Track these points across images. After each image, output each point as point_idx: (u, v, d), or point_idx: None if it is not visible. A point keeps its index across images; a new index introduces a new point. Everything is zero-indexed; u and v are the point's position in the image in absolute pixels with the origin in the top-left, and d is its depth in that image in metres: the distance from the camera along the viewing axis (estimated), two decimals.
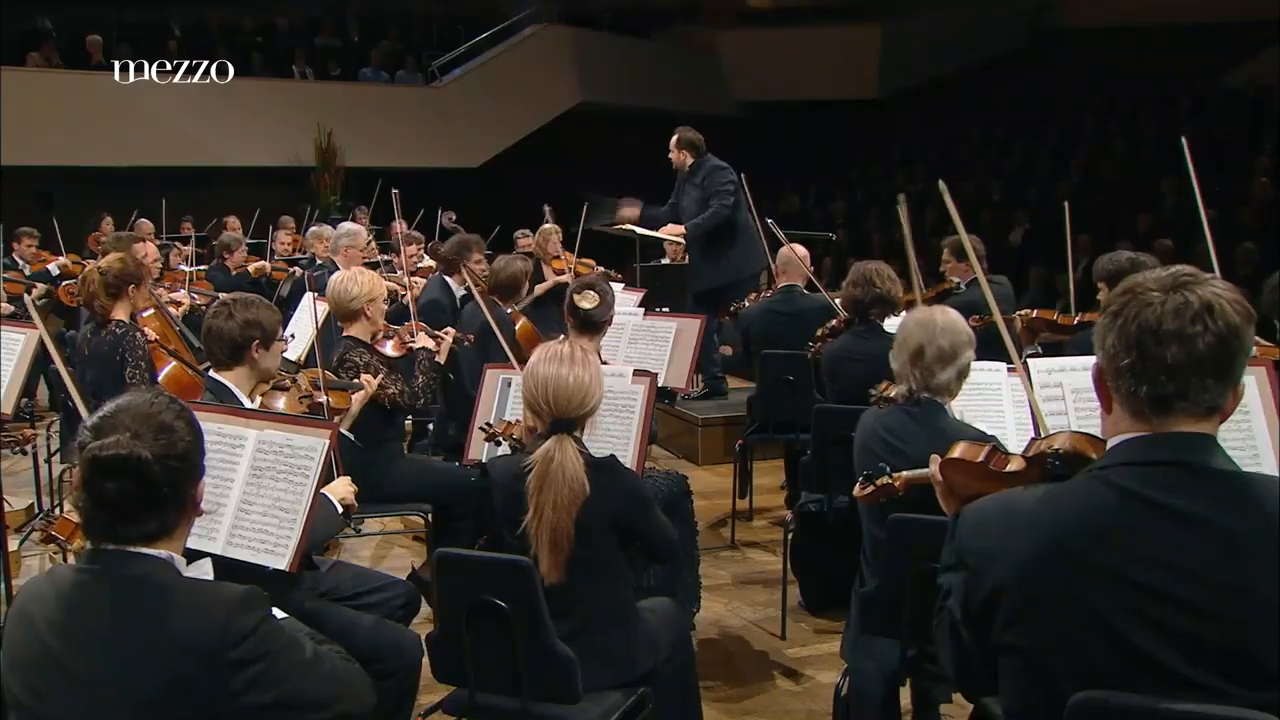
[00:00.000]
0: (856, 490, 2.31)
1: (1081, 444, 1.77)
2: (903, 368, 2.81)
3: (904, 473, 2.35)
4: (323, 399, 3.44)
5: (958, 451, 1.97)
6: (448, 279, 6.19)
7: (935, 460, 2.04)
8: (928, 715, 2.79)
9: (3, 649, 1.74)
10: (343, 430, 3.65)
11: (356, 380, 3.84)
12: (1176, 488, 1.45)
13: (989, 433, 2.75)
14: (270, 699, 1.67)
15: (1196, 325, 1.43)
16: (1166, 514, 1.44)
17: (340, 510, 2.89)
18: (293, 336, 4.55)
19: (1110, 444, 1.54)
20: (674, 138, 6.74)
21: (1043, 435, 1.96)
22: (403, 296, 5.70)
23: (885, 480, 2.21)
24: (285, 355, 4.88)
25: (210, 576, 1.84)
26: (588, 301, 3.65)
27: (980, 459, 1.92)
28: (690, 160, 6.65)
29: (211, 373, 3.15)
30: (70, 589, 1.70)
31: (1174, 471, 1.46)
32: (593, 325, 3.71)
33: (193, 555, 1.84)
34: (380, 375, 3.90)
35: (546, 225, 7.75)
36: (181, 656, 1.61)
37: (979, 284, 5.20)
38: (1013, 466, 1.87)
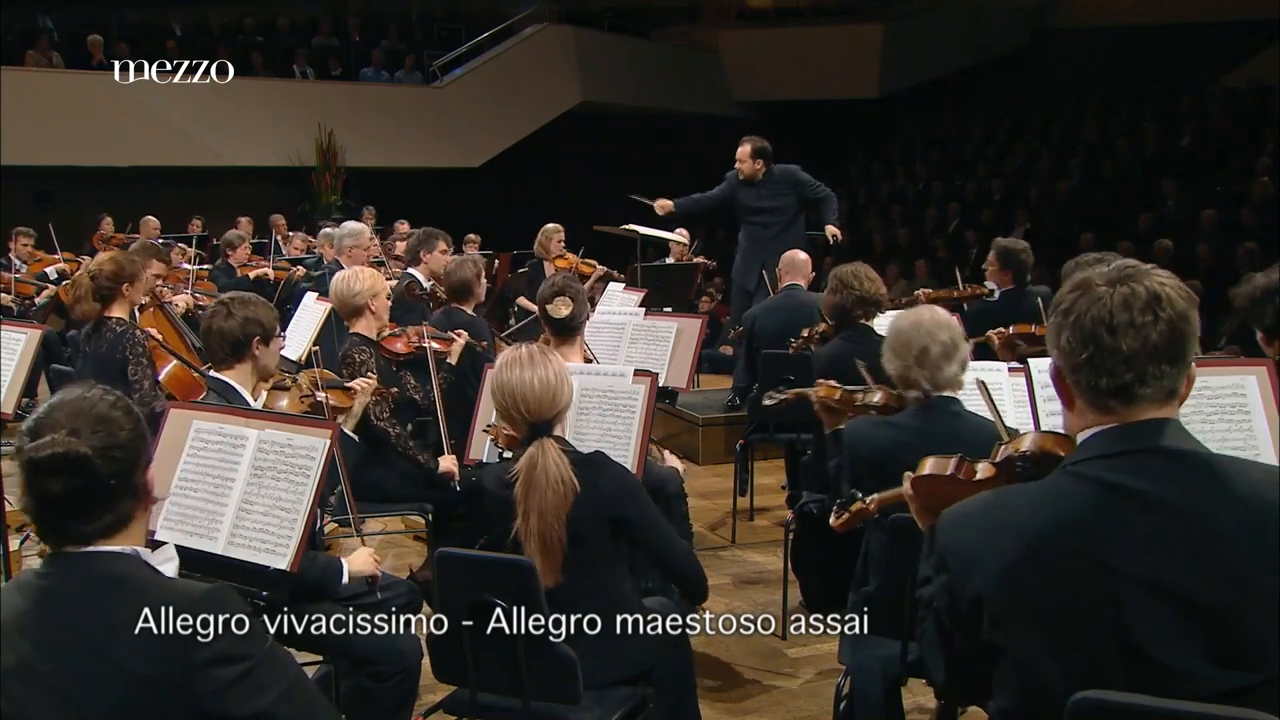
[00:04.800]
0: (832, 520, 2.30)
1: (1049, 443, 1.77)
2: (906, 370, 2.74)
3: (876, 495, 2.35)
4: (322, 397, 3.47)
5: (927, 468, 1.97)
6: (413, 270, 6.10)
7: (908, 478, 2.02)
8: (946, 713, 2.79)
9: None
10: (345, 430, 3.65)
11: (352, 380, 3.83)
12: (1151, 474, 1.47)
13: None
14: (249, 711, 1.58)
15: (1147, 315, 1.46)
16: (1143, 501, 1.45)
17: (346, 579, 2.84)
18: (283, 336, 4.58)
19: (1079, 439, 1.55)
20: (746, 147, 6.64)
21: (1008, 440, 1.95)
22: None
23: (859, 505, 2.22)
24: (287, 355, 4.89)
25: (175, 562, 1.78)
26: (563, 309, 3.61)
27: (949, 471, 1.92)
28: (762, 169, 6.63)
29: (213, 372, 3.15)
30: (36, 594, 1.64)
31: (1147, 458, 1.48)
32: (570, 330, 3.69)
33: (153, 545, 1.76)
34: (374, 376, 3.88)
35: (549, 225, 7.69)
36: (148, 656, 1.56)
37: (1011, 297, 5.25)
38: (981, 475, 1.87)
